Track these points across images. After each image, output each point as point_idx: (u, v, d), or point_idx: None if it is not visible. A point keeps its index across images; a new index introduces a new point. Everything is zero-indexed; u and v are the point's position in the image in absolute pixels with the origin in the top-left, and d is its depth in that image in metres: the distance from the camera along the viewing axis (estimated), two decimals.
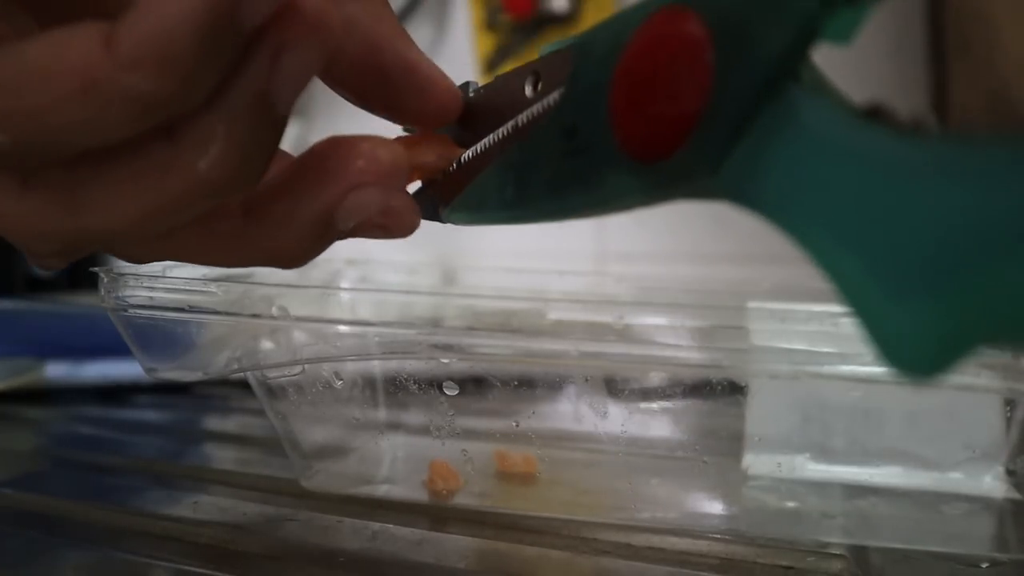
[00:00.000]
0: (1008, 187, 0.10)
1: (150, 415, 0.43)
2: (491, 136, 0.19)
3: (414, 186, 0.21)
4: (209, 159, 0.15)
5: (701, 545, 0.24)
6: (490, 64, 0.60)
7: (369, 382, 0.31)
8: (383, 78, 0.18)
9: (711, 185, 0.14)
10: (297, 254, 0.18)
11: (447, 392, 0.27)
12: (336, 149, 0.17)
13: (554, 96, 0.17)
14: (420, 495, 0.28)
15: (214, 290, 0.25)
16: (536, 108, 0.18)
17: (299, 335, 0.25)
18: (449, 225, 0.21)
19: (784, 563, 0.23)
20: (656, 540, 0.25)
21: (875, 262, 0.11)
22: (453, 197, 0.20)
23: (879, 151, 0.12)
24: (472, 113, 0.20)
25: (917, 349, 0.11)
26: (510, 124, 0.18)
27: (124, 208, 0.15)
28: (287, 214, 0.17)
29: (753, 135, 0.13)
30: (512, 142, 0.18)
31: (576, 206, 0.17)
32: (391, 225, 0.18)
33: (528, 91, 0.18)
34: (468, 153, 0.19)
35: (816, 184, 0.12)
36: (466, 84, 0.20)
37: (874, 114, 0.12)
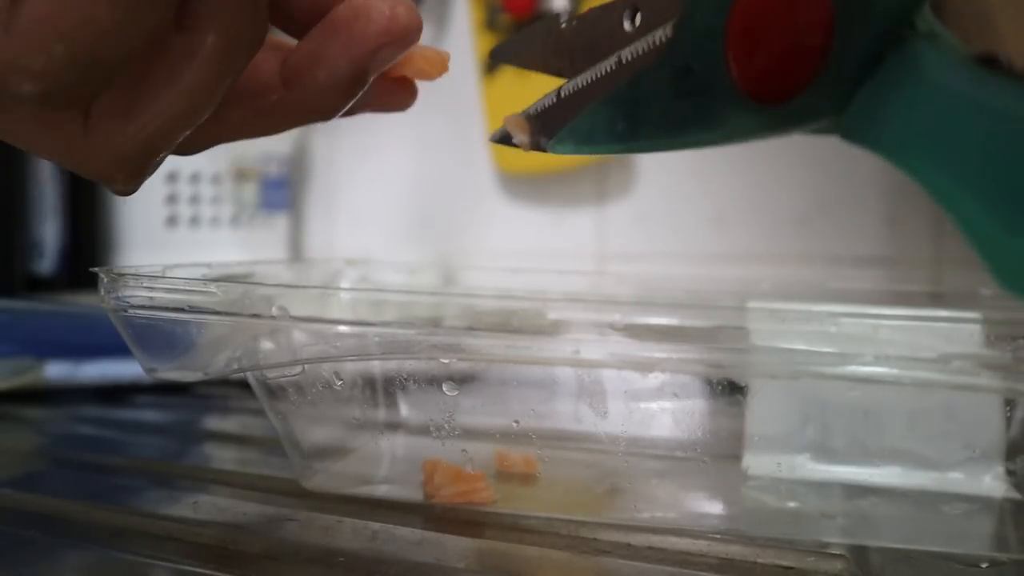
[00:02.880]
0: None
1: (150, 415, 0.43)
2: (593, 71, 0.19)
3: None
4: (216, 35, 0.17)
5: (701, 545, 0.24)
6: (490, 64, 0.60)
7: (369, 382, 0.31)
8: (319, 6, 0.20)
9: (831, 125, 0.15)
10: (337, 107, 0.21)
11: (447, 392, 0.27)
12: (358, 13, 0.19)
13: (661, 34, 0.17)
14: (420, 495, 0.28)
15: (214, 290, 0.25)
16: (642, 45, 0.18)
17: (299, 335, 0.25)
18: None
19: (784, 563, 0.23)
20: (656, 540, 0.25)
21: (993, 200, 0.13)
22: (556, 128, 0.20)
23: (997, 97, 0.13)
24: (565, 44, 0.20)
25: None
26: (613, 60, 0.18)
27: (173, 102, 0.18)
28: (324, 78, 0.19)
29: (875, 80, 0.14)
30: (619, 78, 0.18)
31: (693, 142, 0.18)
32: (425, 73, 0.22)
33: (627, 26, 0.19)
34: (569, 86, 0.20)
35: (937, 128, 0.13)
36: (557, 15, 0.21)
37: (989, 62, 0.13)
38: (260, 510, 0.27)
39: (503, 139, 0.21)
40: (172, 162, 0.69)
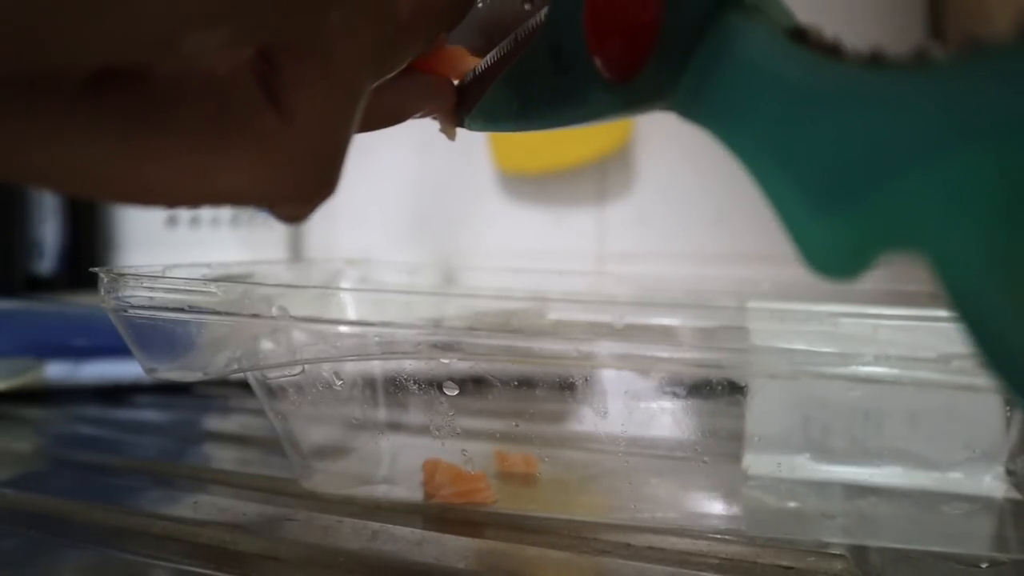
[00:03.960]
0: (905, 111, 0.11)
1: (150, 415, 0.43)
2: (498, 49, 0.20)
3: None
4: None
5: (701, 545, 0.24)
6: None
7: (369, 382, 0.31)
8: None
9: (672, 103, 0.16)
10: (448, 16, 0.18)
11: (447, 392, 0.27)
12: None
13: (543, 12, 0.18)
14: (420, 495, 0.28)
15: (214, 290, 0.25)
16: (532, 23, 0.19)
17: (299, 335, 0.25)
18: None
19: (784, 563, 0.23)
20: (656, 540, 0.25)
21: (798, 177, 0.13)
22: (472, 105, 0.21)
23: (801, 75, 0.13)
24: (481, 23, 0.21)
25: (831, 254, 0.12)
26: (511, 38, 0.19)
27: (360, 42, 0.15)
28: None
29: (700, 56, 0.15)
30: (514, 56, 0.19)
31: (570, 120, 0.18)
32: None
33: (526, 5, 0.20)
34: (482, 63, 0.20)
35: (748, 104, 0.14)
36: None
37: (800, 37, 0.13)
38: (260, 510, 0.27)
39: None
40: None
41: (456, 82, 0.22)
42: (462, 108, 0.21)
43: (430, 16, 0.17)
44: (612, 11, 0.16)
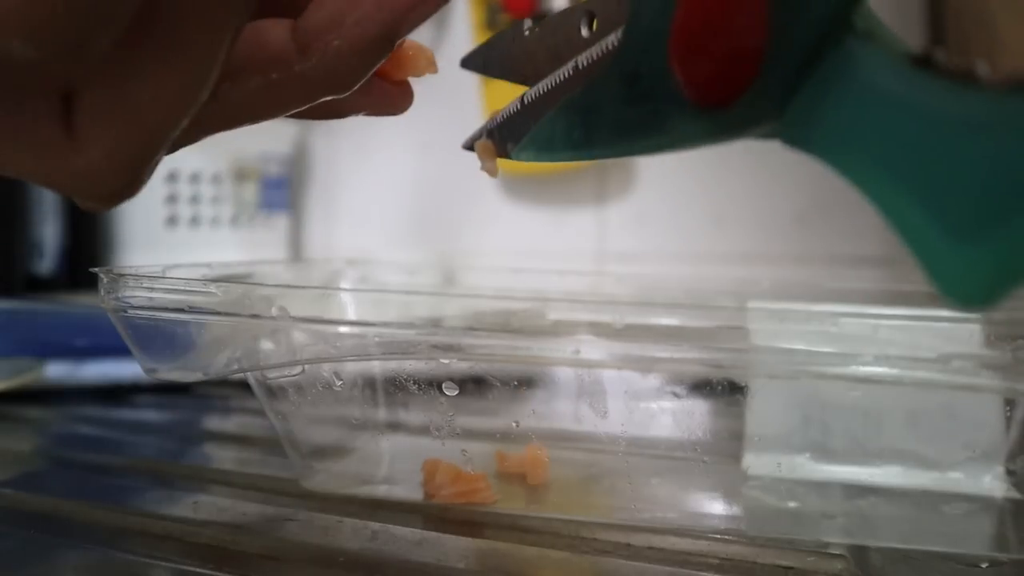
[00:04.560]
0: None
1: (150, 415, 0.43)
2: (552, 77, 0.19)
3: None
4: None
5: (701, 545, 0.24)
6: None
7: (369, 382, 0.31)
8: None
9: (773, 130, 0.15)
10: (358, 77, 0.18)
11: (447, 392, 0.27)
12: None
13: (612, 39, 0.17)
14: (419, 495, 0.28)
15: (214, 290, 0.25)
16: (596, 50, 0.18)
17: (299, 335, 0.25)
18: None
19: (784, 563, 0.23)
20: (656, 540, 0.25)
21: (932, 206, 0.12)
22: (520, 135, 0.20)
23: (932, 102, 0.12)
24: (529, 51, 0.20)
25: (970, 284, 0.12)
26: (570, 66, 0.19)
27: (168, 76, 0.15)
28: (349, 42, 0.17)
29: (812, 82, 0.14)
30: (575, 84, 0.18)
31: (645, 148, 0.17)
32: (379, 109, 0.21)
33: (584, 31, 0.19)
34: (531, 93, 0.20)
35: (873, 131, 0.13)
36: (520, 22, 0.21)
37: (925, 62, 0.13)
38: (260, 510, 0.27)
39: (471, 147, 0.22)
40: (172, 162, 0.69)
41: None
42: (507, 137, 0.21)
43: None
44: (709, 33, 0.15)
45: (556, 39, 0.19)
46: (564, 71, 0.19)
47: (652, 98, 0.17)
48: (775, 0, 0.14)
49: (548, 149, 0.19)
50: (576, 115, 0.18)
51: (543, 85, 0.19)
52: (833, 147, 0.14)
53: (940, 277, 0.12)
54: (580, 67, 0.18)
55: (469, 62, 0.23)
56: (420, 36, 0.21)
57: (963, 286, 0.12)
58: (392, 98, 0.21)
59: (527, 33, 0.20)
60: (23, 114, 0.15)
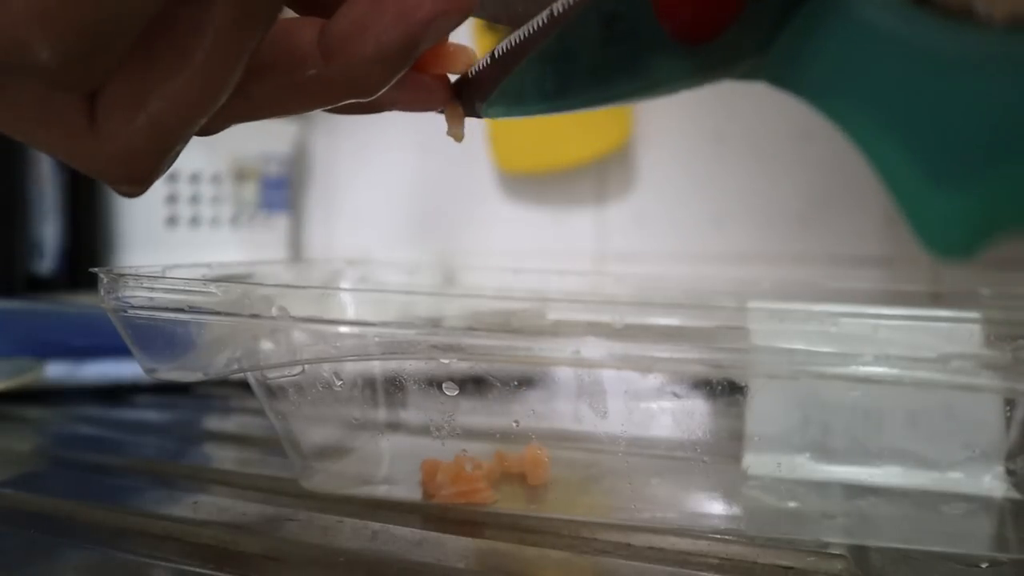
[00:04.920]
0: None
1: (150, 415, 0.43)
2: (525, 28, 0.18)
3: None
4: (224, 1, 0.15)
5: (701, 545, 0.24)
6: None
7: (369, 382, 0.31)
8: None
9: (757, 67, 0.14)
10: (381, 84, 0.18)
11: (447, 392, 0.27)
12: None
13: None
14: (419, 495, 0.28)
15: (214, 290, 0.25)
16: None
17: (299, 335, 0.25)
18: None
19: (784, 563, 0.23)
20: (656, 540, 0.25)
21: (918, 148, 0.12)
22: (490, 91, 0.19)
23: (927, 39, 0.12)
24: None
25: (952, 231, 0.12)
26: (545, 14, 0.18)
27: (184, 85, 0.16)
28: (372, 49, 0.17)
29: (800, 17, 0.13)
30: (548, 33, 0.18)
31: (622, 93, 0.17)
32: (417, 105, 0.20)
33: None
34: (502, 46, 0.19)
35: (862, 69, 0.12)
36: None
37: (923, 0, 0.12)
38: (260, 510, 0.27)
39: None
40: None
41: (456, 77, 0.21)
42: (475, 95, 0.20)
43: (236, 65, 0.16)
44: None
45: None
46: (538, 20, 0.18)
47: (632, 37, 0.16)
48: None
49: (519, 102, 0.19)
50: (548, 63, 0.18)
51: (515, 37, 0.18)
52: (819, 86, 0.13)
53: (920, 224, 0.12)
54: (555, 14, 0.17)
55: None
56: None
57: (944, 234, 0.12)
58: (429, 93, 0.21)
59: None
60: (50, 104, 0.16)
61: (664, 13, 0.15)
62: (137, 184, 0.18)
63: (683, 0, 0.15)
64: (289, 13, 0.19)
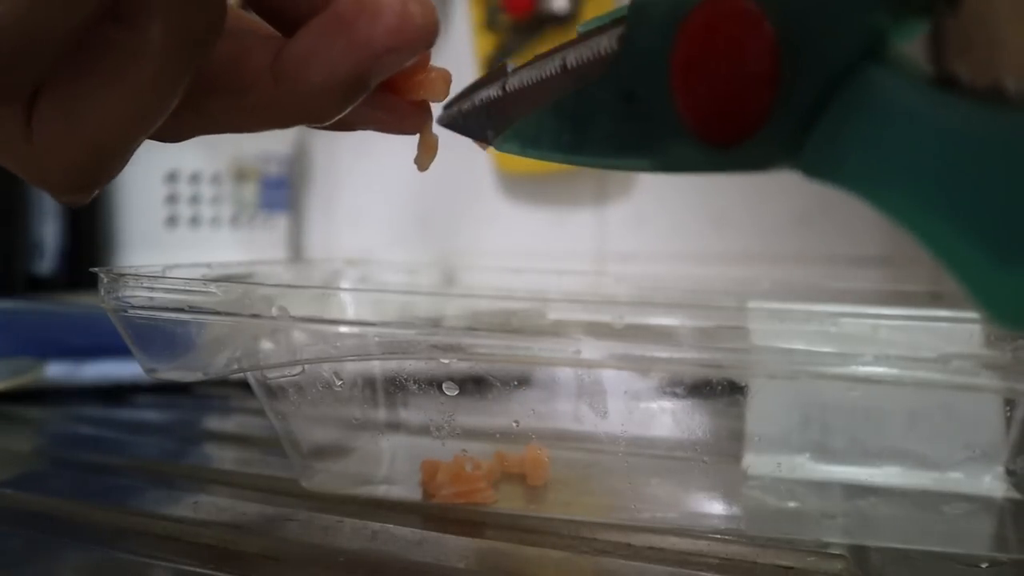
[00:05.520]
0: None
1: (150, 415, 0.43)
2: (538, 69, 0.18)
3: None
4: (159, 26, 0.15)
5: (701, 545, 0.24)
6: (490, 64, 0.60)
7: (369, 382, 0.31)
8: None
9: (792, 164, 0.14)
10: (332, 113, 0.18)
11: (447, 392, 0.27)
12: (366, 5, 0.17)
13: (606, 44, 0.16)
14: (419, 495, 0.28)
15: (214, 290, 0.25)
16: (586, 51, 0.17)
17: (299, 335, 0.25)
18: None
19: (784, 563, 0.23)
20: (656, 540, 0.25)
21: (973, 231, 0.12)
22: (502, 124, 0.19)
23: (961, 121, 0.12)
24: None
25: (1022, 306, 0.12)
26: (558, 62, 0.17)
27: (118, 105, 0.16)
28: (320, 80, 0.17)
29: (830, 113, 0.13)
30: (562, 83, 0.17)
31: (637, 167, 0.17)
32: (396, 127, 0.20)
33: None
34: (513, 81, 0.19)
35: (902, 159, 0.12)
36: (503, 64, 0.20)
37: (948, 82, 0.12)
38: (260, 510, 0.27)
39: (449, 124, 0.21)
40: (172, 162, 0.69)
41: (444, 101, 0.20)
42: (487, 124, 0.20)
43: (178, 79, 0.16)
44: (713, 71, 0.14)
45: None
46: (551, 66, 0.18)
47: (649, 120, 0.16)
48: (786, 35, 0.13)
49: (534, 146, 0.19)
50: (566, 119, 0.18)
51: (527, 76, 0.18)
52: (861, 178, 0.13)
53: (989, 302, 0.12)
54: (568, 66, 0.17)
55: (446, 120, 0.21)
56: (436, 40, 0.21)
57: (1014, 309, 0.12)
58: (404, 117, 0.20)
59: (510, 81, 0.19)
60: None
61: (684, 110, 0.15)
62: (77, 194, 0.18)
63: (703, 103, 0.14)
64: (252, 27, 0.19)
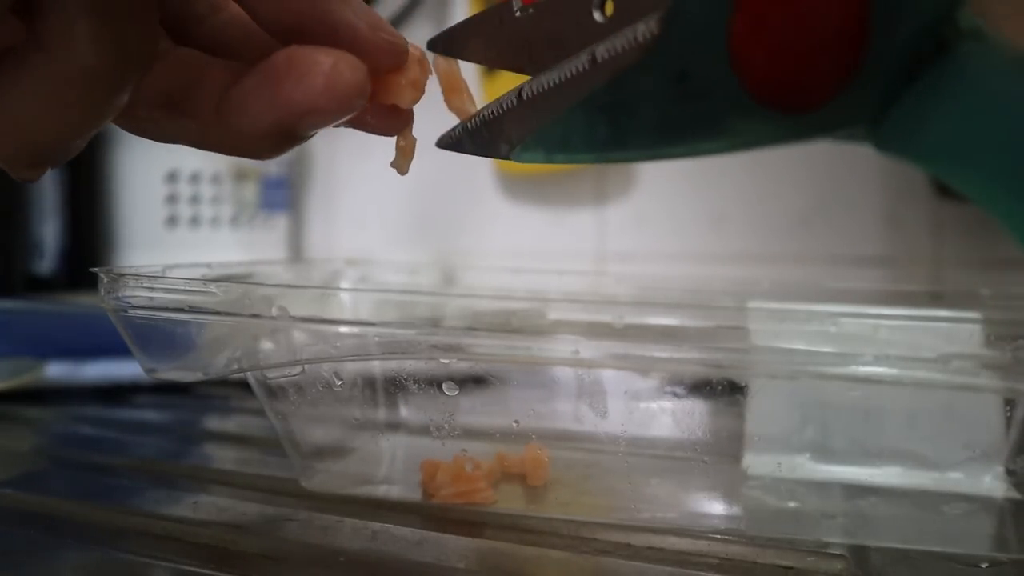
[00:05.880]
0: None
1: (150, 415, 0.43)
2: (561, 70, 0.16)
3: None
4: (81, 47, 0.15)
5: (701, 545, 0.24)
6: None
7: (369, 382, 0.31)
8: (301, 36, 0.17)
9: (864, 133, 0.13)
10: (265, 154, 0.18)
11: (447, 392, 0.27)
12: (297, 63, 0.17)
13: (644, 30, 0.15)
14: (419, 495, 0.28)
15: (214, 290, 0.25)
16: (620, 42, 0.15)
17: (299, 335, 0.25)
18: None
19: (784, 563, 0.23)
20: (656, 540, 0.25)
21: None
22: (519, 134, 0.18)
23: None
24: (522, 36, 0.18)
25: None
26: (586, 58, 0.16)
27: (40, 116, 0.16)
28: (248, 127, 0.17)
29: (918, 86, 0.13)
30: (595, 79, 0.16)
31: (695, 151, 0.15)
32: (374, 129, 0.20)
33: (597, 16, 0.16)
34: (531, 87, 0.17)
35: (994, 140, 0.12)
36: (509, 1, 0.18)
37: None
38: (260, 510, 0.27)
39: (450, 145, 0.20)
40: (172, 162, 0.69)
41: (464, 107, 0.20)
42: (500, 137, 0.18)
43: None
44: (788, 25, 0.12)
45: (559, 24, 0.17)
46: (578, 63, 0.16)
47: (707, 98, 0.14)
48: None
49: (563, 150, 0.17)
50: (601, 113, 0.16)
51: (549, 79, 0.17)
52: (943, 156, 0.13)
53: None
54: (599, 60, 0.15)
55: (440, 43, 0.20)
56: (420, 36, 0.21)
57: None
58: (380, 119, 0.20)
59: (519, 15, 0.18)
60: None
61: (750, 79, 0.13)
62: (28, 173, 0.18)
63: (774, 66, 0.13)
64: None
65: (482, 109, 0.19)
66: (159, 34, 0.17)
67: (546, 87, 0.17)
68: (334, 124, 0.18)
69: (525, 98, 0.17)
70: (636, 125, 0.16)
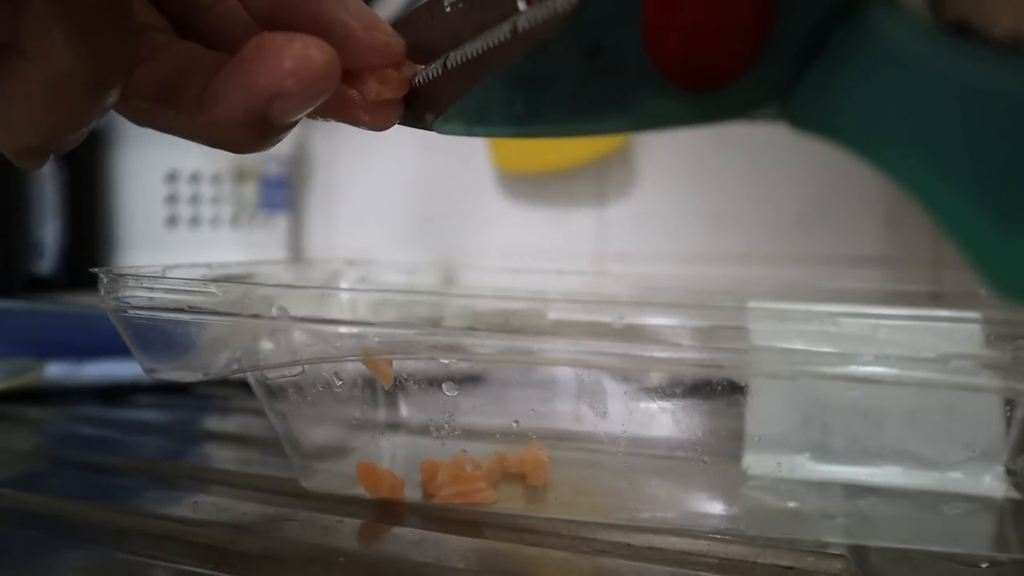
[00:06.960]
0: None
1: (150, 415, 0.43)
2: (484, 40, 0.16)
3: None
4: (57, 53, 0.15)
5: (701, 545, 0.24)
6: None
7: (369, 382, 0.31)
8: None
9: (776, 113, 0.13)
10: (247, 146, 0.18)
11: (447, 392, 0.27)
12: (264, 48, 0.16)
13: (563, 2, 0.14)
14: (419, 495, 0.28)
15: (214, 290, 0.25)
16: (540, 12, 0.15)
17: (299, 335, 0.25)
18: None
19: (784, 563, 0.23)
20: (656, 540, 0.25)
21: (980, 191, 0.11)
22: (444, 105, 0.17)
23: (976, 73, 0.11)
24: (452, 31, 0.18)
25: None
26: (507, 28, 0.16)
27: (27, 117, 0.16)
28: (221, 115, 0.17)
29: (825, 58, 0.12)
30: (514, 50, 0.16)
31: (605, 128, 0.15)
32: (355, 120, 0.19)
33: (522, 5, 0.16)
34: (456, 56, 0.17)
35: (905, 110, 0.11)
36: None
37: (960, 30, 0.11)
38: (260, 510, 0.27)
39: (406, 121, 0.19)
40: (172, 162, 0.69)
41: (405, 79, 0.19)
42: (426, 107, 0.18)
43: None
44: (696, 7, 0.12)
45: (487, 16, 0.17)
46: (499, 33, 0.16)
47: (619, 73, 0.14)
48: None
49: (481, 123, 0.17)
50: (519, 86, 0.16)
51: (471, 48, 0.17)
52: (854, 129, 0.12)
53: (988, 268, 0.11)
54: (519, 31, 0.15)
55: None
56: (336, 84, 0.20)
57: (1016, 278, 0.11)
58: (374, 114, 0.19)
59: (449, 9, 0.18)
60: None
61: (659, 56, 0.13)
62: (30, 163, 0.18)
63: (682, 44, 0.13)
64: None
65: (415, 75, 0.18)
66: (139, 36, 0.17)
67: (468, 57, 0.17)
68: (310, 114, 0.18)
69: (450, 67, 0.17)
70: (551, 98, 0.15)
